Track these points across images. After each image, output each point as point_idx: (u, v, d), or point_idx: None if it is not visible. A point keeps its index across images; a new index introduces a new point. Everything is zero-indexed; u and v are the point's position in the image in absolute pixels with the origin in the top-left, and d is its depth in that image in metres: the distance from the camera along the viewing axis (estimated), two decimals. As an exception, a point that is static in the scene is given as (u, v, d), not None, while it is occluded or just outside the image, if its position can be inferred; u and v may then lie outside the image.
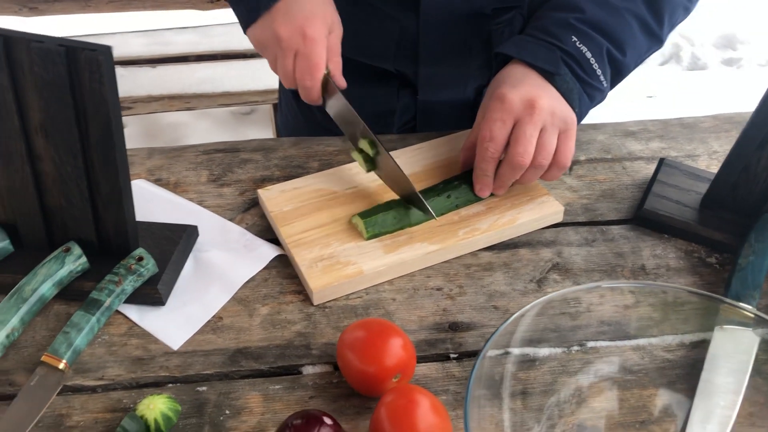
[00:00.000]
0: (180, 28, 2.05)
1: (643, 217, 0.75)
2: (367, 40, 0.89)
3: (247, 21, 0.75)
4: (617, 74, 0.76)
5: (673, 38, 3.16)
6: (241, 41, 2.00)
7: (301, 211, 0.73)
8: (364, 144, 0.75)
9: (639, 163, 0.84)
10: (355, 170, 0.79)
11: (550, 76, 0.71)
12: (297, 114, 1.07)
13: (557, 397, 0.60)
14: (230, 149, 0.86)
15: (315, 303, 0.66)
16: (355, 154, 0.76)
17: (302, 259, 0.68)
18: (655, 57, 3.18)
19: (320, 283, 0.66)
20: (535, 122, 0.69)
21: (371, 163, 0.75)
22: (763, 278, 0.65)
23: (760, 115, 0.66)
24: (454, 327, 0.65)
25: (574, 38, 0.72)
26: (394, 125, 0.93)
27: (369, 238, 0.70)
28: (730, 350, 0.60)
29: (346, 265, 0.67)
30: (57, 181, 0.64)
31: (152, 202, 0.77)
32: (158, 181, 0.81)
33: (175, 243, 0.70)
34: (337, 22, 0.76)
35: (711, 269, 0.71)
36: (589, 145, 0.87)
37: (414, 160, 0.81)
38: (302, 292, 0.68)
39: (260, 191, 0.76)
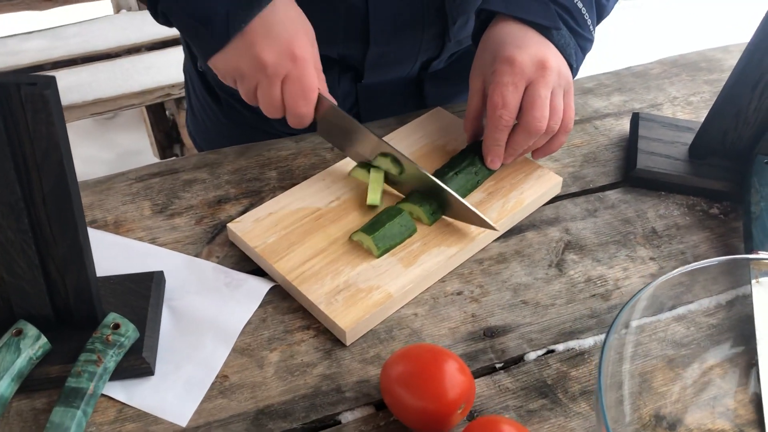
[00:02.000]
0: (25, 33, 1.81)
1: (637, 177, 0.71)
2: (312, 25, 0.79)
3: (212, 48, 0.63)
4: (599, 20, 0.72)
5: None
6: (102, 39, 1.79)
7: (290, 240, 0.63)
8: (383, 162, 0.67)
9: (608, 121, 0.81)
10: (330, 178, 0.70)
11: (547, 32, 0.66)
12: (217, 116, 0.95)
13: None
14: (167, 171, 0.74)
15: (348, 343, 0.57)
16: (358, 173, 0.68)
17: (317, 296, 0.59)
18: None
19: (349, 319, 0.57)
20: (548, 83, 0.64)
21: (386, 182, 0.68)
22: (779, 223, 0.64)
23: (753, 58, 0.64)
24: (490, 333, 0.59)
25: None
26: None
27: (380, 255, 0.62)
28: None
29: (369, 291, 0.59)
30: (-8, 252, 0.50)
31: (97, 251, 0.64)
32: (93, 224, 0.68)
33: (144, 297, 0.58)
34: (313, 33, 0.66)
35: (717, 220, 0.69)
36: (552, 108, 0.83)
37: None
38: (311, 327, 0.59)
39: (231, 225, 0.65)
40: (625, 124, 0.80)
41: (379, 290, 0.59)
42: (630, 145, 0.75)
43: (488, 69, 0.67)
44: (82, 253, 0.51)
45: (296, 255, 0.62)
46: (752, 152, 0.70)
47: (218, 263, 0.64)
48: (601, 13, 0.71)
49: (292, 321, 0.60)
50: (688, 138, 0.73)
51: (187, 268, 0.64)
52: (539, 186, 0.69)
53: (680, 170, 0.71)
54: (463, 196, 0.67)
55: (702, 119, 0.71)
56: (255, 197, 0.71)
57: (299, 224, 0.65)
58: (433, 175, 0.68)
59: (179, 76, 1.70)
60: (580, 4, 0.68)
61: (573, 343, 0.59)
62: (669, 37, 2.89)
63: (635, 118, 0.77)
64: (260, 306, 0.61)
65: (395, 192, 0.69)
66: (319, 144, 0.77)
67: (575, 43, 0.68)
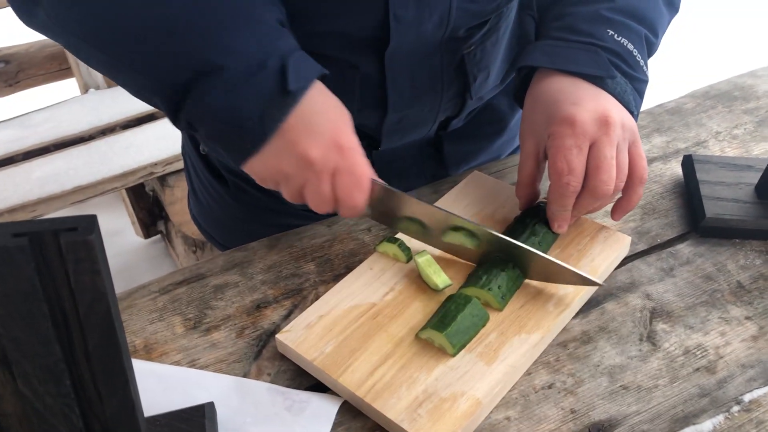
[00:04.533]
0: (-14, 125, 1.72)
1: (708, 226, 0.66)
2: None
3: (248, 152, 0.56)
4: (649, 56, 0.67)
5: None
6: (74, 123, 1.71)
7: (350, 346, 0.56)
8: (456, 238, 0.61)
9: (657, 165, 0.76)
10: (377, 266, 0.63)
11: (601, 82, 0.61)
12: (224, 198, 0.88)
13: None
14: (193, 277, 0.66)
15: (447, 466, 0.50)
16: (386, 247, 0.62)
17: (396, 413, 0.51)
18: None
19: (441, 437, 0.49)
20: (612, 141, 0.59)
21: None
22: None
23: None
24: (596, 430, 0.52)
25: (611, 32, 0.62)
26: None
27: (456, 353, 0.55)
28: None
29: (453, 400, 0.52)
30: (27, 421, 0.42)
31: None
32: (120, 350, 0.60)
33: (200, 437, 0.50)
34: (350, 115, 0.60)
35: (804, 265, 0.64)
36: (594, 158, 0.77)
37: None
38: (396, 448, 0.51)
39: (279, 337, 0.57)
40: (675, 167, 0.75)
41: (465, 397, 0.52)
42: (690, 191, 0.70)
43: (542, 130, 0.61)
44: (134, 408, 0.43)
45: (361, 364, 0.55)
46: (827, 187, 0.65)
47: (272, 382, 0.57)
48: (650, 49, 0.67)
49: (372, 443, 0.52)
50: (752, 177, 0.68)
51: (238, 392, 0.56)
52: (609, 249, 0.63)
53: (752, 214, 0.66)
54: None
55: (752, 152, 0.67)
56: (297, 296, 0.63)
57: (356, 326, 0.58)
58: (495, 251, 0.62)
59: (160, 153, 1.63)
60: (630, 46, 0.63)
61: (691, 430, 0.52)
62: (682, 66, 2.88)
63: (688, 161, 0.72)
64: (331, 429, 0.53)
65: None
66: (353, 226, 0.70)
67: (631, 87, 0.63)
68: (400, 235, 0.65)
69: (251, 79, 0.53)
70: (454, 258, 0.64)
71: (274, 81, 0.53)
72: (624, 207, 0.63)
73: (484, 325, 0.57)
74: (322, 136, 0.55)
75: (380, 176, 0.80)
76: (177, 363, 0.59)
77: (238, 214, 0.89)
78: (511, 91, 0.83)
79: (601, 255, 0.63)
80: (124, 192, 1.90)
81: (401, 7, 0.64)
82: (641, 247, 0.66)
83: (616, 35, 0.62)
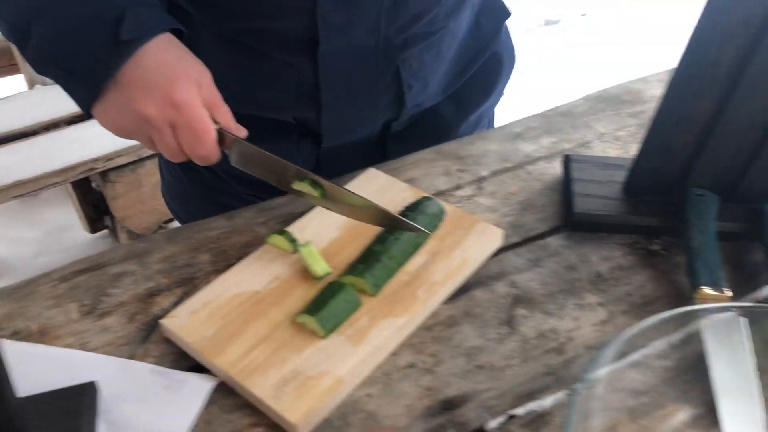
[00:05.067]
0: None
1: (577, 221, 0.71)
2: (260, 91, 0.77)
3: (85, 101, 0.60)
4: None
5: None
6: (18, 118, 1.73)
7: (229, 331, 0.60)
8: (303, 186, 0.64)
9: (540, 164, 0.81)
10: (267, 257, 0.67)
11: None
12: (182, 178, 0.92)
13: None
14: (94, 266, 0.70)
15: (301, 438, 0.54)
16: (276, 240, 0.66)
17: (263, 390, 0.55)
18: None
19: (300, 412, 0.53)
20: None
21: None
22: (718, 254, 0.64)
23: (671, 97, 0.64)
24: (448, 405, 0.57)
25: None
26: None
27: (327, 336, 0.59)
28: (725, 341, 0.58)
29: (318, 378, 0.56)
30: None
31: (19, 368, 0.59)
32: (15, 335, 0.63)
33: (78, 414, 0.54)
34: (203, 69, 0.63)
35: (660, 257, 0.69)
36: (483, 158, 0.82)
37: (328, 223, 0.71)
38: (262, 424, 0.56)
39: (164, 321, 0.61)
40: (557, 167, 0.80)
41: (329, 375, 0.56)
42: (565, 189, 0.75)
43: None
44: (4, 387, 0.47)
45: (238, 347, 0.59)
46: (685, 185, 0.70)
47: (156, 363, 0.61)
48: None
49: (240, 419, 0.56)
50: (622, 175, 0.74)
51: (123, 373, 0.60)
52: (481, 241, 0.68)
53: (617, 210, 0.71)
54: (406, 261, 0.66)
55: (631, 153, 0.72)
56: (188, 285, 0.67)
57: (238, 312, 0.62)
58: (375, 240, 0.66)
59: (102, 149, 1.65)
60: None
61: (533, 405, 0.57)
62: (595, 69, 2.98)
63: (567, 161, 0.77)
64: (205, 407, 0.57)
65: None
66: (252, 219, 0.74)
67: None
68: (292, 228, 0.69)
69: (84, 25, 0.55)
70: (340, 250, 0.68)
71: (108, 30, 0.56)
72: None
73: (356, 310, 0.62)
74: (157, 92, 0.57)
75: (325, 172, 0.85)
76: (69, 346, 0.62)
77: (196, 194, 0.93)
78: (459, 98, 0.88)
79: (473, 246, 0.68)
80: (71, 189, 1.92)
81: (329, 11, 0.67)
82: (515, 239, 0.71)
83: None
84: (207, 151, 0.62)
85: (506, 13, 0.91)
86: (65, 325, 0.64)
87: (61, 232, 2.15)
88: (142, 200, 1.77)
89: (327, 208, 0.66)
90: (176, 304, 0.65)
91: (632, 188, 0.72)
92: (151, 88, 0.58)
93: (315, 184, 0.64)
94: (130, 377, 0.59)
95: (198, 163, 0.63)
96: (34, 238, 2.15)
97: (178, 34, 0.63)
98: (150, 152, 1.49)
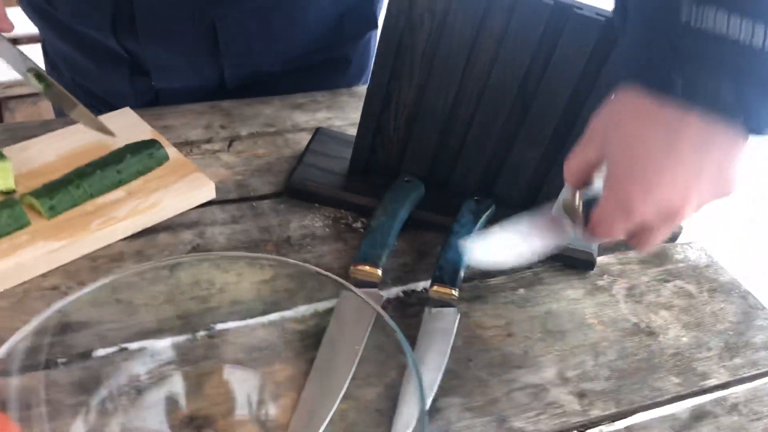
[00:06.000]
0: None
1: (293, 188, 0.72)
2: (83, 6, 0.80)
3: None
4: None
5: None
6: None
7: None
8: (32, 80, 0.66)
9: (301, 135, 0.82)
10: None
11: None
12: None
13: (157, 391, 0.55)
14: None
15: None
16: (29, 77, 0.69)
17: None
18: None
19: None
20: (671, 228, 0.49)
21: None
22: (393, 239, 0.65)
23: (375, 79, 0.65)
24: (66, 329, 0.58)
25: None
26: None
27: (-25, 244, 0.61)
28: (350, 314, 0.59)
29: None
30: None
31: None
32: None
33: None
34: None
35: (356, 234, 0.70)
36: (253, 119, 0.83)
37: (49, 149, 0.72)
38: None
39: None
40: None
41: (-40, 280, 0.58)
42: (299, 158, 0.76)
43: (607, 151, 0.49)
44: None
45: None
46: (399, 171, 0.71)
47: None
48: None
49: None
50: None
51: None
52: (186, 190, 0.69)
53: (333, 184, 0.72)
54: (101, 194, 0.67)
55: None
56: None
57: None
58: (75, 171, 0.68)
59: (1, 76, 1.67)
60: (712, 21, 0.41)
61: (147, 343, 0.58)
62: None
63: (315, 132, 0.78)
64: None
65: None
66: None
67: (740, 91, 0.42)
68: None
69: None
70: (47, 173, 0.69)
71: None
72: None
73: (21, 228, 0.63)
74: None
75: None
76: None
77: None
78: (298, 80, 0.89)
79: (174, 192, 0.69)
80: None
81: None
82: (232, 196, 0.73)
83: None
84: None
85: (373, 25, 0.93)
86: None
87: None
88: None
89: (53, 103, 0.70)
90: None
91: (354, 167, 0.73)
92: None
93: (40, 77, 0.66)
94: None
95: None
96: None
97: None
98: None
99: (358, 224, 0.71)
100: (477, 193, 0.70)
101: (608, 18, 0.58)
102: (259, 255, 0.64)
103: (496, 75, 0.62)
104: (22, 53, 0.66)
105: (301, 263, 0.56)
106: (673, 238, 0.78)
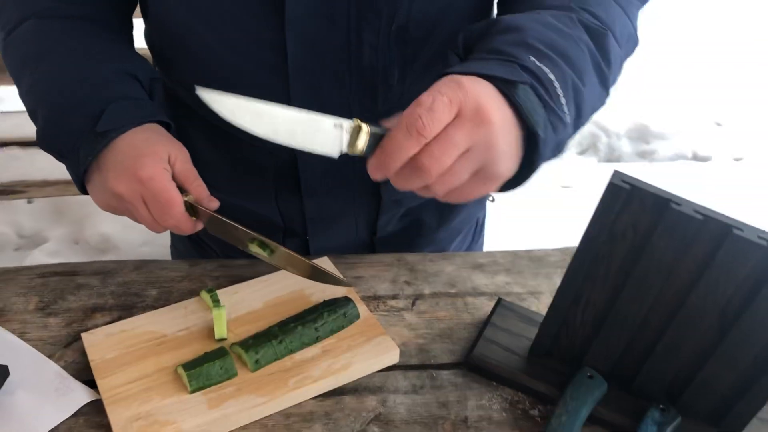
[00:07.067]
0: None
1: (473, 363, 0.74)
2: (244, 179, 0.88)
3: (78, 181, 0.72)
4: (578, 115, 0.63)
5: (590, 128, 3.29)
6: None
7: (124, 360, 0.70)
8: (254, 248, 0.73)
9: (481, 300, 0.85)
10: (190, 308, 0.77)
11: (510, 89, 0.57)
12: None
13: None
14: (68, 272, 0.83)
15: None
16: (205, 296, 0.77)
17: (117, 419, 0.64)
18: (573, 146, 3.30)
19: (129, 450, 0.62)
20: (470, 135, 0.55)
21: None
22: (574, 438, 0.65)
23: (569, 276, 0.67)
24: (260, 488, 0.63)
25: (533, 58, 0.59)
26: None
27: (193, 392, 0.67)
28: None
29: (164, 424, 0.64)
30: None
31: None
32: (-20, 308, 0.77)
33: (-21, 387, 0.66)
34: (176, 148, 0.71)
35: (532, 422, 0.70)
36: (436, 277, 0.87)
37: (257, 295, 0.79)
38: (107, 446, 0.65)
39: (84, 335, 0.72)
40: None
41: (173, 426, 0.64)
42: (480, 330, 0.78)
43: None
44: None
45: (122, 375, 0.69)
46: (582, 361, 0.72)
47: (64, 368, 0.72)
48: (579, 105, 0.62)
49: (93, 437, 0.66)
50: (534, 334, 0.76)
51: (35, 366, 0.71)
52: (373, 352, 0.74)
53: (513, 365, 0.73)
54: (299, 349, 0.73)
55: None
56: (126, 311, 0.78)
57: (140, 347, 0.72)
58: (278, 325, 0.74)
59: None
60: (551, 75, 0.59)
61: None
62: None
63: (497, 304, 0.80)
64: (74, 416, 0.67)
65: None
66: (209, 271, 0.85)
67: (545, 116, 0.59)
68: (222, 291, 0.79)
69: (70, 114, 0.68)
70: (253, 321, 0.76)
71: (89, 121, 0.68)
72: (404, 182, 0.58)
73: (229, 378, 0.69)
74: (125, 172, 0.67)
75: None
76: (13, 330, 0.75)
77: (181, 240, 1.07)
78: (439, 203, 0.95)
79: (363, 355, 0.73)
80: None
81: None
82: (413, 362, 0.76)
83: (537, 61, 0.59)
84: (176, 222, 0.69)
85: None
86: (19, 313, 0.77)
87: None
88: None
89: (274, 265, 0.75)
90: (107, 323, 0.77)
91: (537, 349, 0.74)
92: (120, 169, 0.68)
93: (263, 245, 0.73)
94: (38, 372, 0.71)
95: (175, 232, 0.73)
96: (144, 228, 2.40)
97: (167, 125, 0.74)
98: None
99: (536, 411, 0.72)
100: (662, 399, 0.68)
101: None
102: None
103: (696, 296, 0.62)
104: (246, 230, 0.71)
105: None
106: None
